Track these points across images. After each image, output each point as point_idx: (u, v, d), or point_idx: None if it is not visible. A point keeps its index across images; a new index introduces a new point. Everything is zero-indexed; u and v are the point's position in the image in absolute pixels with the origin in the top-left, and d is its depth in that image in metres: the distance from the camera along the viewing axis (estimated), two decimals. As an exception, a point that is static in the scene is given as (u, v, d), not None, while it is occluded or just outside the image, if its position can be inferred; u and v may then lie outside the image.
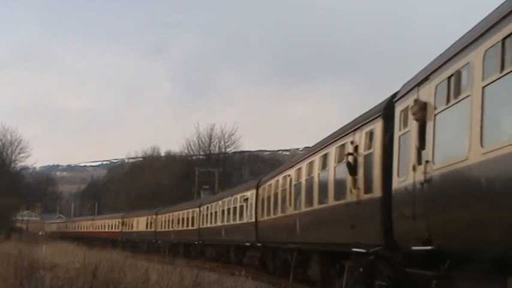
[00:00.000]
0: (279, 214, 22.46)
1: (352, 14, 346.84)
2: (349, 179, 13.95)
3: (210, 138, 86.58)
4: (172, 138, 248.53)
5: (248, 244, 28.87)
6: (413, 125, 10.38)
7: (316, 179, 17.35)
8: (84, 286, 12.50)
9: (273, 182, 24.40)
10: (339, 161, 15.11)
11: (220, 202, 35.63)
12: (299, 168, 19.73)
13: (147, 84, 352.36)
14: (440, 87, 9.27)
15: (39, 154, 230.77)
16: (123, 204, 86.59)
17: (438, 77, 9.40)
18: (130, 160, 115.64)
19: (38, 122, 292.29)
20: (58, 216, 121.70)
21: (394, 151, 11.52)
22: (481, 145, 7.69)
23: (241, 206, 30.32)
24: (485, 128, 7.67)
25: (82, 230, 79.44)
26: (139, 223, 57.16)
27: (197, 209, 41.32)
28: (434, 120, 9.48)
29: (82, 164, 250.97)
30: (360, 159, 13.53)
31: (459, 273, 8.96)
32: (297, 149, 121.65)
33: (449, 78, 8.94)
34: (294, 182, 20.33)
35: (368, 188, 12.99)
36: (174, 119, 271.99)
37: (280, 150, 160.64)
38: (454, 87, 8.72)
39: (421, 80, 10.16)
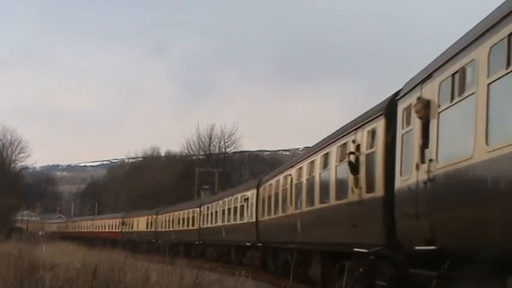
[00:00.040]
0: (280, 214, 22.36)
1: (352, 14, 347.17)
2: (350, 178, 13.83)
3: (210, 138, 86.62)
4: (172, 138, 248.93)
5: (249, 244, 28.77)
6: (416, 123, 10.25)
7: (317, 179, 17.24)
8: (84, 286, 12.47)
9: (273, 181, 24.30)
10: (341, 160, 15.00)
11: (220, 202, 35.54)
12: (300, 168, 19.62)
13: (147, 84, 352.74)
14: (444, 85, 9.14)
15: (39, 154, 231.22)
16: (123, 204, 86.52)
17: (442, 74, 9.27)
18: (130, 160, 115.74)
19: (38, 122, 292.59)
20: (58, 216, 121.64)
21: (397, 150, 11.39)
22: (487, 143, 7.57)
23: (242, 206, 30.22)
24: (491, 126, 7.53)
25: (82, 230, 79.39)
26: (140, 223, 57.08)
27: (197, 209, 41.23)
28: (438, 118, 9.35)
29: (82, 164, 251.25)
30: (362, 158, 13.41)
31: (462, 273, 8.85)
32: (297, 149, 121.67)
33: (453, 75, 8.81)
34: (294, 182, 20.22)
35: (370, 187, 12.87)
36: (174, 119, 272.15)
37: (280, 150, 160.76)
38: (459, 85, 8.59)
39: (425, 78, 10.03)
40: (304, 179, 18.87)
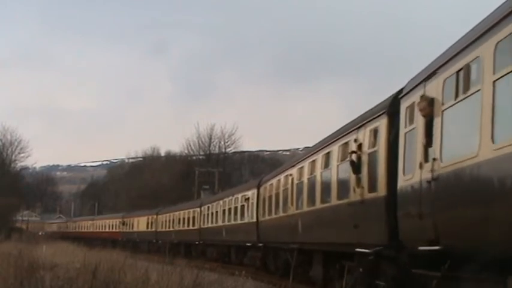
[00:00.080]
0: (281, 214, 22.25)
1: (352, 14, 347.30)
2: (352, 177, 13.71)
3: (210, 138, 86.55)
4: (172, 138, 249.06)
5: (249, 244, 28.66)
6: (419, 122, 10.12)
7: (318, 178, 17.12)
8: (84, 286, 12.41)
9: (274, 181, 24.19)
10: (342, 159, 14.88)
11: (221, 202, 35.44)
12: (301, 167, 19.51)
13: (147, 84, 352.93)
14: (449, 82, 9.01)
15: (39, 154, 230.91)
16: (123, 204, 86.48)
17: (446, 71, 9.13)
18: (131, 160, 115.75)
19: (38, 122, 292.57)
20: (58, 216, 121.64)
21: (400, 149, 11.27)
22: (492, 141, 7.44)
23: (243, 206, 30.12)
24: (497, 124, 7.40)
25: (82, 230, 79.37)
26: (140, 223, 57.00)
27: (198, 209, 41.14)
28: (442, 116, 9.22)
29: (82, 164, 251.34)
30: (364, 158, 13.28)
31: (465, 273, 8.73)
32: (297, 149, 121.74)
33: (457, 72, 8.67)
34: (295, 181, 20.11)
35: (372, 187, 12.75)
36: (174, 119, 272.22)
37: (280, 150, 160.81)
38: (463, 82, 8.46)
39: (428, 75, 9.90)
40: (305, 179, 18.75)
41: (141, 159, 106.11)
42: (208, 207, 38.45)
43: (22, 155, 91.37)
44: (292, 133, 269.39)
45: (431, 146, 9.60)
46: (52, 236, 76.06)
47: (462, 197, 8.45)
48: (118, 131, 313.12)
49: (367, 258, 12.82)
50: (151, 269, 14.94)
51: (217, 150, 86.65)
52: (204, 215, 39.26)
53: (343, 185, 14.64)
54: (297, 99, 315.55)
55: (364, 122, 13.54)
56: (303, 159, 19.59)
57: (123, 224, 62.02)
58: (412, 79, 11.13)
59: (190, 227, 42.33)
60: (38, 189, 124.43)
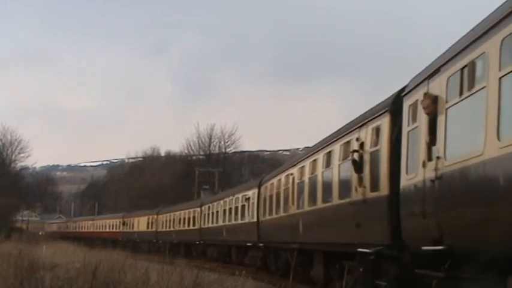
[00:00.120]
0: (282, 213, 22.15)
1: (352, 14, 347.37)
2: (354, 177, 13.60)
3: (210, 138, 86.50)
4: (172, 138, 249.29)
5: (250, 244, 28.56)
6: (423, 120, 10.00)
7: (319, 178, 17.01)
8: (84, 286, 12.41)
9: (275, 180, 24.08)
10: (344, 158, 14.77)
11: (221, 202, 35.35)
12: (302, 167, 19.40)
13: (147, 84, 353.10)
14: (453, 79, 8.89)
15: (39, 154, 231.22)
16: (123, 204, 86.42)
17: (450, 68, 9.01)
18: (131, 160, 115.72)
19: (38, 122, 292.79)
20: (58, 216, 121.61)
21: (402, 147, 11.15)
22: (498, 139, 7.32)
23: (243, 206, 30.03)
24: (503, 121, 7.27)
25: (82, 230, 79.31)
26: (140, 223, 56.92)
27: (198, 209, 41.05)
28: (446, 114, 9.10)
29: (82, 164, 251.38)
30: (366, 157, 13.17)
31: (468, 273, 8.62)
32: (297, 149, 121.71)
33: (462, 69, 8.55)
34: (296, 181, 20.00)
35: (374, 186, 12.63)
36: (174, 119, 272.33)
37: (280, 150, 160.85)
38: (468, 79, 8.34)
39: (432, 73, 9.77)
40: (306, 178, 18.64)
41: (141, 159, 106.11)
42: (209, 207, 38.36)
43: (22, 155, 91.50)
44: (292, 133, 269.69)
45: (435, 145, 9.47)
46: (52, 236, 76.08)
47: (467, 195, 8.33)
48: (118, 131, 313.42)
49: (368, 258, 12.72)
50: (151, 269, 14.93)
51: (217, 150, 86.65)
52: (205, 214, 39.17)
53: (344, 184, 14.53)
54: (297, 99, 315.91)
55: (366, 120, 13.42)
56: (304, 159, 19.48)
57: (124, 224, 61.94)
58: (415, 77, 11.00)
59: (191, 227, 42.23)
60: (38, 189, 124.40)
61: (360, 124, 13.79)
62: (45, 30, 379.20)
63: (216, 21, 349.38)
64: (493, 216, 7.62)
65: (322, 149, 17.10)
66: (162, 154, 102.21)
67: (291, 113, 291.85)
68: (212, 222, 36.93)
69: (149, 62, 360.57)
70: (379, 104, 13.29)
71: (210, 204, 38.18)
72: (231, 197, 33.35)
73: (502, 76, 7.36)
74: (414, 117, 10.56)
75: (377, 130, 12.76)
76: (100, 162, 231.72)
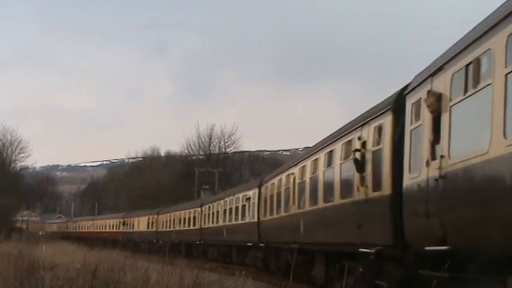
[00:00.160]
0: (282, 213, 22.03)
1: (352, 14, 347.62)
2: (356, 176, 13.47)
3: (210, 138, 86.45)
4: (172, 138, 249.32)
5: (250, 244, 28.45)
6: (426, 118, 9.86)
7: (321, 177, 16.89)
8: (84, 286, 12.37)
9: (276, 180, 23.96)
10: (346, 157, 14.64)
11: (222, 201, 35.24)
12: (303, 166, 19.28)
13: (147, 84, 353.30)
14: (457, 77, 8.77)
15: (39, 154, 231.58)
16: (123, 204, 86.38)
17: (455, 65, 8.87)
18: (131, 160, 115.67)
19: (38, 122, 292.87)
20: (58, 216, 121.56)
21: (405, 146, 11.03)
22: (504, 136, 7.20)
23: (244, 206, 29.92)
24: (509, 118, 7.14)
25: (83, 230, 79.27)
26: (141, 223, 56.84)
27: (199, 209, 40.96)
28: (450, 112, 8.97)
29: (82, 164, 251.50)
30: (368, 156, 13.05)
31: (474, 274, 8.51)
32: (297, 149, 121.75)
33: (467, 66, 8.42)
34: (297, 181, 19.88)
35: (376, 186, 12.51)
36: (174, 119, 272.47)
37: (280, 150, 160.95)
38: (473, 76, 8.21)
39: (436, 70, 9.63)
40: (307, 178, 18.52)
41: (141, 159, 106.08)
42: (209, 207, 38.26)
43: (22, 155, 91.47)
44: (292, 133, 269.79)
45: (438, 143, 9.35)
46: (52, 236, 75.98)
47: (472, 195, 8.20)
48: (118, 131, 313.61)
49: (365, 257, 12.62)
50: (151, 269, 14.87)
51: (217, 150, 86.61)
52: (205, 214, 39.07)
53: (346, 184, 14.41)
54: (297, 99, 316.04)
55: (368, 119, 13.30)
56: (305, 158, 19.36)
57: (124, 224, 61.86)
58: (418, 74, 10.87)
59: (191, 227, 42.14)
60: (38, 189, 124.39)
61: (362, 123, 13.66)
62: (45, 30, 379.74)
63: (216, 21, 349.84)
64: (499, 215, 7.49)
65: (323, 148, 16.98)
66: (162, 154, 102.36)
67: (291, 113, 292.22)
68: (213, 222, 36.83)
69: (149, 62, 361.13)
70: (381, 103, 13.17)
71: (211, 204, 38.08)
72: (231, 197, 33.24)
73: (509, 73, 7.25)
74: (417, 116, 10.43)
75: (379, 129, 12.64)
76: (100, 162, 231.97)
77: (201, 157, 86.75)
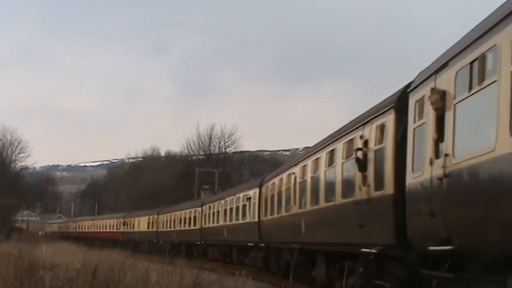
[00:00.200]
0: (283, 213, 21.92)
1: (352, 14, 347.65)
2: (358, 175, 13.35)
3: (210, 138, 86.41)
4: (172, 138, 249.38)
5: (251, 244, 28.35)
6: (430, 116, 9.73)
7: (322, 177, 16.76)
8: (84, 286, 12.35)
9: (276, 180, 23.84)
10: (347, 157, 14.51)
11: (222, 201, 35.14)
12: (304, 166, 19.15)
13: (147, 84, 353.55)
14: (462, 74, 8.64)
15: (39, 154, 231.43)
16: (123, 204, 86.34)
17: (459, 62, 8.74)
18: (131, 160, 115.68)
19: (38, 122, 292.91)
20: (58, 216, 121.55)
21: (408, 145, 10.89)
22: (511, 134, 7.07)
23: (244, 205, 29.82)
24: (516, 116, 7.05)
25: (83, 230, 79.23)
26: (141, 223, 56.76)
27: (199, 209, 40.86)
28: (455, 109, 8.83)
29: (82, 164, 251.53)
30: (370, 155, 12.92)
31: (478, 274, 8.39)
32: (297, 149, 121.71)
33: (471, 63, 8.29)
34: (298, 180, 19.76)
35: (379, 185, 12.38)
36: (174, 119, 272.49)
37: (280, 150, 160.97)
38: (478, 73, 8.08)
39: (439, 67, 9.49)
40: (308, 177, 18.39)
41: (141, 159, 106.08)
42: (210, 206, 38.16)
43: (22, 155, 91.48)
44: (292, 133, 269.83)
45: (442, 142, 9.22)
46: (52, 236, 75.98)
47: (477, 193, 8.06)
48: (118, 131, 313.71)
49: (366, 257, 12.51)
50: (151, 269, 14.84)
51: (217, 150, 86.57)
52: (206, 214, 38.98)
53: (348, 183, 14.28)
54: (297, 99, 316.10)
55: (371, 117, 13.16)
56: (306, 157, 19.23)
57: (124, 224, 61.79)
58: (421, 72, 10.72)
59: (192, 227, 42.04)
60: (38, 189, 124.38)
61: (364, 121, 13.53)
62: (45, 30, 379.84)
63: (216, 21, 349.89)
64: (505, 214, 7.36)
65: (324, 147, 16.85)
66: (162, 154, 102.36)
67: (291, 113, 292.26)
68: (213, 222, 36.73)
69: (149, 62, 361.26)
70: (383, 101, 13.03)
71: (211, 204, 37.98)
72: (232, 197, 33.14)
73: (515, 69, 7.12)
74: (421, 114, 10.30)
75: (382, 127, 12.51)
76: (100, 162, 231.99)
77: (201, 157, 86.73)
